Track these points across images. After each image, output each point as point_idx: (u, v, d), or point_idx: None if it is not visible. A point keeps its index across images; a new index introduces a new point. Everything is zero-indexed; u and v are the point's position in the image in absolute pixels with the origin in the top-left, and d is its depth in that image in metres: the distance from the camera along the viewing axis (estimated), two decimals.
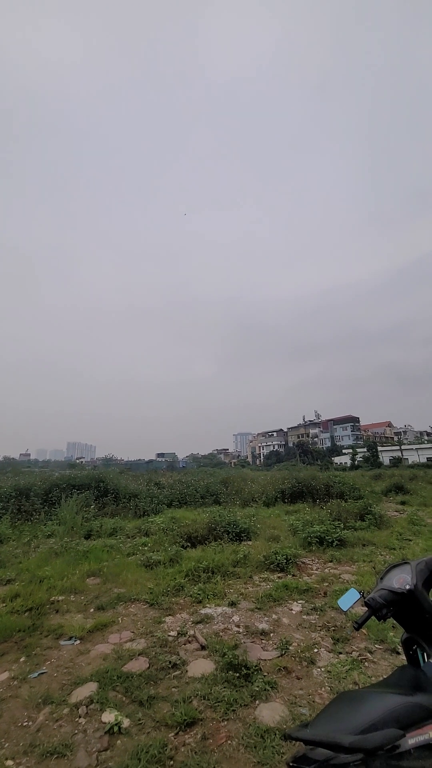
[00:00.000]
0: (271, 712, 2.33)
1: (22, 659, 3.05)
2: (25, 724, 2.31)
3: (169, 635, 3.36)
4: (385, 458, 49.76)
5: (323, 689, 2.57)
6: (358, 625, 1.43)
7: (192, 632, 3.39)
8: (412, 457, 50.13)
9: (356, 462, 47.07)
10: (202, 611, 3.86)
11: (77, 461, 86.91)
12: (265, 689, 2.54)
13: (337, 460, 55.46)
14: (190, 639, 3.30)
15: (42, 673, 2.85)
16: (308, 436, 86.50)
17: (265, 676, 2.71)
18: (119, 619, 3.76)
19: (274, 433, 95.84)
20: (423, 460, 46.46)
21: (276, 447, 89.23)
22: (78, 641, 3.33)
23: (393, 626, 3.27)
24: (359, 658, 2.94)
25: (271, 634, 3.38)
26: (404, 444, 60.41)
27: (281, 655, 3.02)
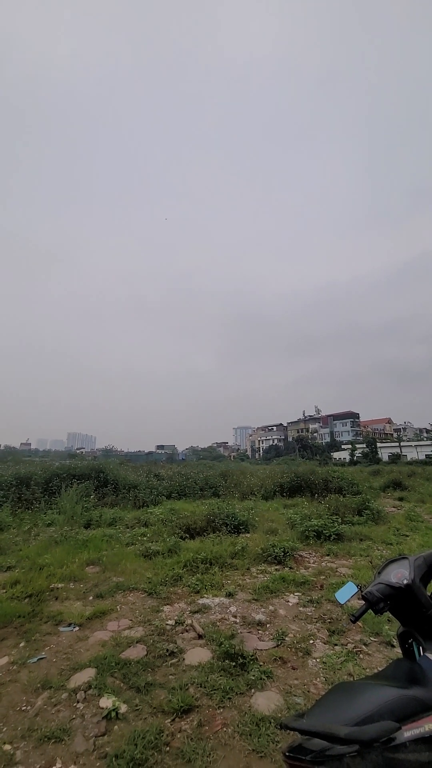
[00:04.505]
0: (266, 701, 2.36)
1: (21, 644, 3.09)
2: (23, 708, 2.35)
3: (166, 624, 3.40)
4: (384, 454, 49.88)
5: (318, 680, 2.61)
6: (355, 618, 1.43)
7: (189, 621, 3.42)
8: (411, 454, 50.27)
9: (355, 457, 47.18)
10: (200, 601, 3.89)
11: (77, 451, 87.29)
12: (260, 678, 2.58)
13: (336, 455, 55.62)
14: (187, 628, 3.34)
15: (41, 659, 2.89)
16: (308, 431, 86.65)
17: (261, 665, 2.74)
18: (118, 607, 3.80)
19: (274, 428, 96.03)
20: (422, 457, 46.60)
21: (275, 441, 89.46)
22: (77, 628, 3.38)
23: (388, 620, 3.30)
24: (354, 650, 2.97)
25: (268, 625, 3.42)
26: (403, 441, 60.52)
27: (277, 646, 3.05)
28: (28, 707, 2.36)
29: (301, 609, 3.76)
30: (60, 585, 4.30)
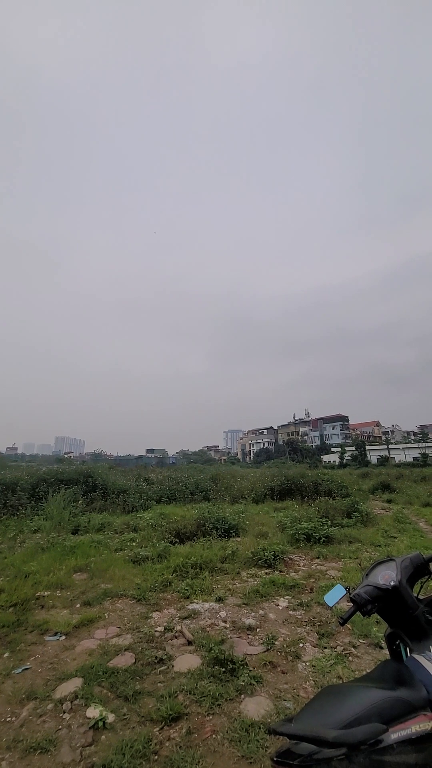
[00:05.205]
0: (256, 707, 2.35)
1: (5, 655, 3.02)
2: (8, 719, 2.29)
3: (155, 631, 3.36)
4: (372, 457, 50.50)
5: (308, 683, 2.61)
6: (344, 621, 1.45)
7: (179, 627, 3.39)
8: (399, 457, 51.00)
9: (344, 460, 47.67)
10: (190, 607, 3.86)
11: (65, 456, 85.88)
12: (250, 684, 2.56)
13: (325, 458, 56.06)
14: (176, 634, 3.31)
15: (26, 669, 2.82)
16: (298, 434, 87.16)
17: (250, 670, 2.73)
18: (106, 614, 3.74)
19: (265, 431, 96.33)
20: (409, 459, 47.31)
21: (266, 444, 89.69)
22: (63, 637, 3.31)
23: (377, 621, 3.32)
24: (343, 652, 2.99)
25: (258, 630, 3.41)
26: (391, 443, 61.39)
27: (267, 650, 3.04)
28: (13, 718, 2.30)
29: (290, 612, 3.76)
30: (46, 593, 4.21)
